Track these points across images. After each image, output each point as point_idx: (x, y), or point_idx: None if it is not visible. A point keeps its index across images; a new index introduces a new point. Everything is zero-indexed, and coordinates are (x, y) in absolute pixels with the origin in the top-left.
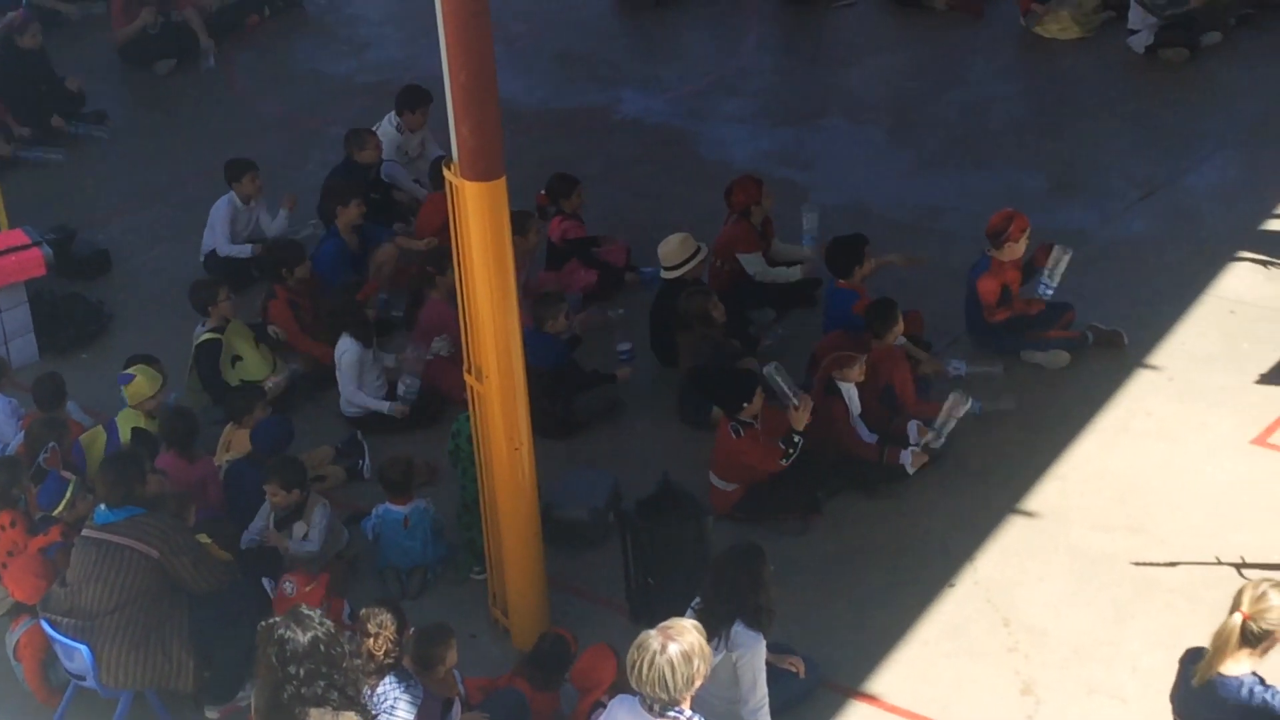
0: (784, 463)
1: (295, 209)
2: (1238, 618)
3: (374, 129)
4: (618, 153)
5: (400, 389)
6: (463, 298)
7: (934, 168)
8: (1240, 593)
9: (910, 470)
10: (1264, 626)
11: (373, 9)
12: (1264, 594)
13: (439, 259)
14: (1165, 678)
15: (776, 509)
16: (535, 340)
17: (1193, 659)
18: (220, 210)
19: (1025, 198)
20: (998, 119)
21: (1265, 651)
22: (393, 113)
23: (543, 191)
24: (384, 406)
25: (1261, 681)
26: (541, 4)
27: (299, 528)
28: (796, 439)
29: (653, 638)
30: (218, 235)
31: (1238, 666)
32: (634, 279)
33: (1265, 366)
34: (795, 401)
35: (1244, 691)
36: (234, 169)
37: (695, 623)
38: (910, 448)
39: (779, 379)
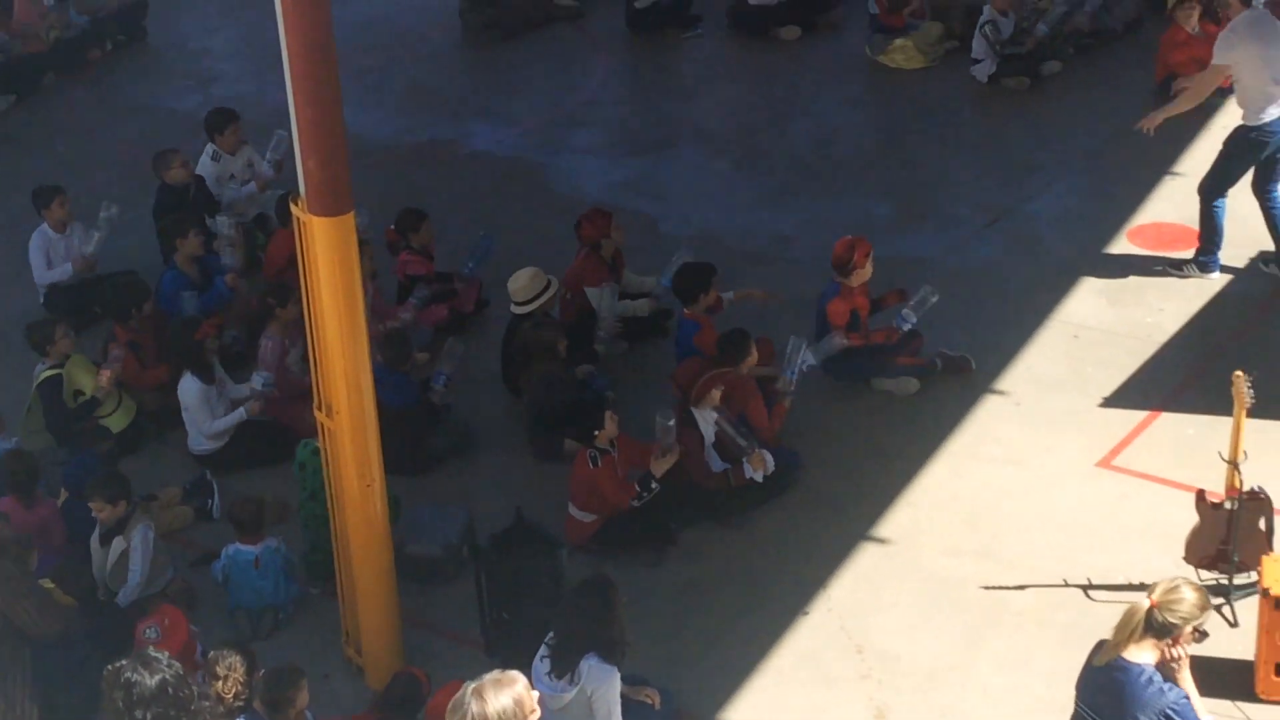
0: (635, 503)
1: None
2: (1145, 603)
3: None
4: (468, 186)
5: (257, 382)
6: (312, 334)
7: (783, 197)
8: (1155, 583)
9: (757, 477)
10: (1169, 619)
11: (219, 43)
12: (1176, 586)
13: (280, 293)
14: (1016, 700)
15: (631, 540)
16: (386, 376)
17: (1099, 647)
18: (34, 243)
19: (873, 226)
20: (845, 148)
21: (1170, 649)
22: (209, 144)
23: (391, 226)
24: (240, 414)
25: (1163, 677)
26: (389, 37)
27: (118, 543)
28: (654, 485)
29: (469, 698)
30: (34, 267)
31: (1141, 654)
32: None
33: (1109, 390)
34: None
35: (1143, 678)
36: (41, 197)
37: (514, 672)
38: (745, 459)
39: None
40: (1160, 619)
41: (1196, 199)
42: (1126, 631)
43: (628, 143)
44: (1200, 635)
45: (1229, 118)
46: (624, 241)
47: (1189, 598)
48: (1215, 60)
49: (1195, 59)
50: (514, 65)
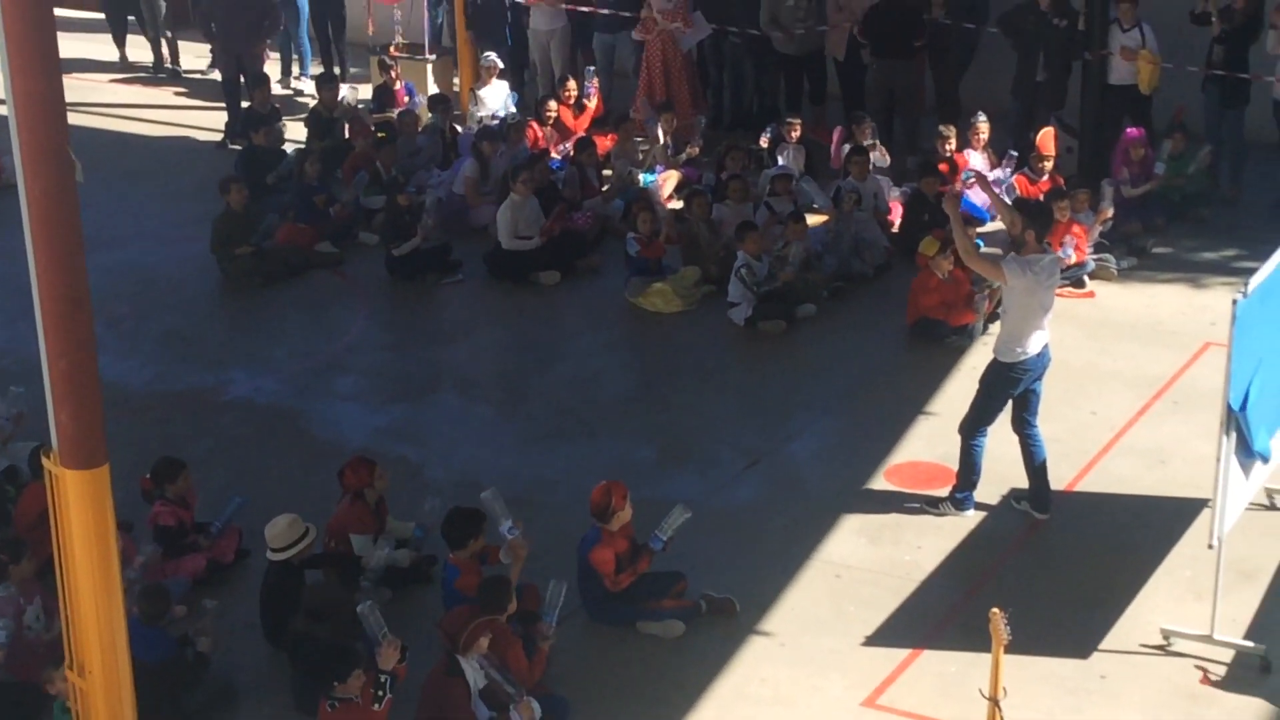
0: (377, 708)
1: None
2: None
3: None
4: (228, 434)
5: None
6: (64, 590)
7: (544, 441)
8: None
9: None
10: None
11: None
12: None
13: (14, 549)
14: None
15: None
16: (141, 631)
17: None
18: None
19: (635, 468)
20: (606, 391)
21: None
22: None
23: (147, 476)
24: None
25: None
26: (146, 284)
27: None
28: (384, 678)
29: None
30: None
31: None
32: None
33: (871, 628)
34: (382, 639)
35: None
36: None
37: None
38: (514, 707)
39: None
40: None
41: (950, 437)
42: None
43: (389, 388)
44: None
45: (978, 358)
46: (387, 488)
47: None
48: (1004, 266)
49: (945, 303)
50: (274, 311)
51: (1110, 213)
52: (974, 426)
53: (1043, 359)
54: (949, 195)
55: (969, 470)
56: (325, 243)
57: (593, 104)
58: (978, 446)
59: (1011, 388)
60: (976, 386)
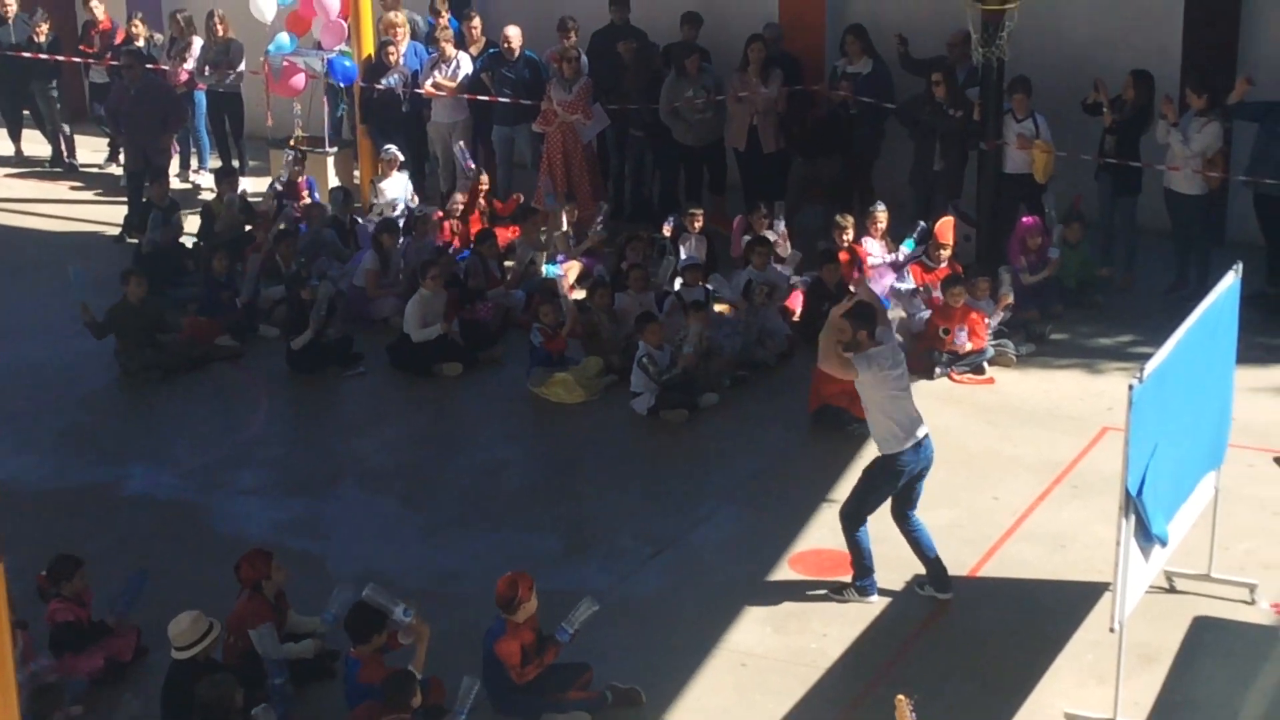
0: None
1: None
2: None
3: None
4: (126, 530)
5: None
6: None
7: (449, 532)
8: None
9: None
10: None
11: None
12: None
13: None
14: None
15: None
16: None
17: None
18: None
19: (539, 559)
20: (510, 482)
21: None
22: None
23: (43, 573)
24: None
25: None
26: (42, 378)
27: None
28: None
29: None
30: None
31: None
32: None
33: (778, 718)
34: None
35: None
36: None
37: None
38: None
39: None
40: None
41: None
42: None
43: (291, 482)
44: None
45: (874, 448)
46: (286, 582)
47: None
48: (855, 361)
49: (847, 391)
50: (174, 405)
51: (1010, 299)
52: (854, 517)
53: (922, 452)
54: (859, 282)
55: (861, 558)
56: (226, 336)
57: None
58: (861, 536)
59: (894, 480)
60: (860, 478)
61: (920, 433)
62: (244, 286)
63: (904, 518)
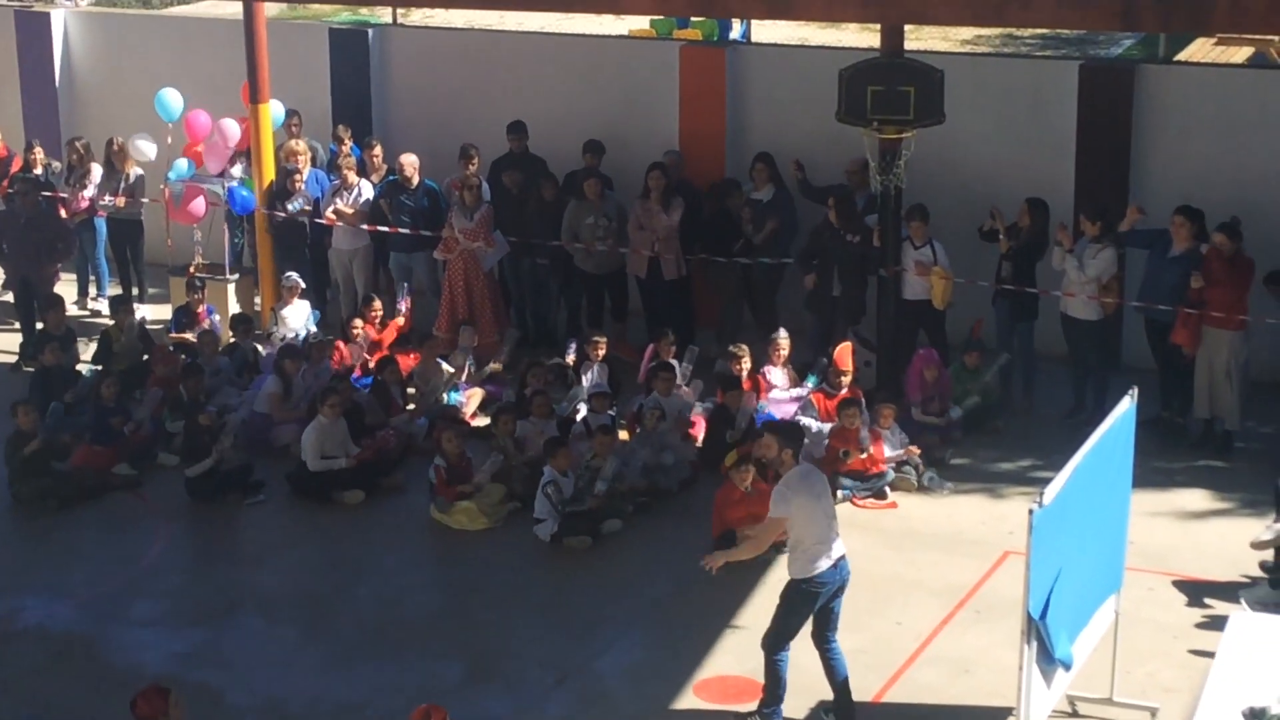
0: None
1: None
2: None
3: None
4: (18, 664)
5: None
6: None
7: (351, 661)
8: None
9: None
10: None
11: None
12: None
13: None
14: None
15: None
16: None
17: None
18: None
19: (442, 688)
20: (412, 609)
21: None
22: None
23: None
24: None
25: None
26: None
27: None
28: None
29: None
30: None
31: None
32: None
33: None
34: None
35: None
36: None
37: None
38: None
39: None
40: None
41: (758, 651)
42: None
43: (189, 612)
44: None
45: (784, 571)
46: (184, 718)
47: None
48: (772, 514)
49: (751, 515)
50: (69, 535)
51: (917, 451)
52: (775, 643)
53: (839, 572)
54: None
55: (774, 685)
56: (123, 465)
57: (401, 320)
58: (781, 662)
59: (811, 603)
60: (777, 602)
61: (841, 554)
62: (136, 413)
63: (824, 639)
